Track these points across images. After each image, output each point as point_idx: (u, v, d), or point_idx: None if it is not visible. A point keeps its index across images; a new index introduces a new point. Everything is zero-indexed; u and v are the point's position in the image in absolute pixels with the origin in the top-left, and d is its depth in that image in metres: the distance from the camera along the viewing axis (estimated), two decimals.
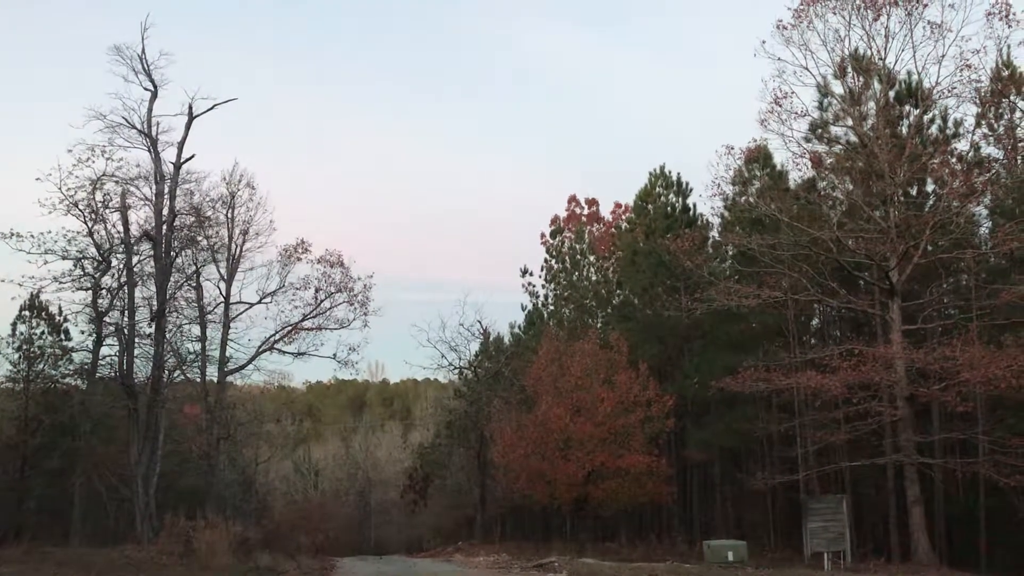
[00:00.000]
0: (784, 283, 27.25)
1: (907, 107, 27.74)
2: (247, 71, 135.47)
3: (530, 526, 44.30)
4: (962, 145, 27.00)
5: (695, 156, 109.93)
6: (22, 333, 35.66)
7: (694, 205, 39.35)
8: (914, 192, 28.10)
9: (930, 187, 28.13)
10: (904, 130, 27.25)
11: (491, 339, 44.52)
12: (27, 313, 35.69)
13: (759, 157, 33.02)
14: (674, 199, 39.94)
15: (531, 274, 47.36)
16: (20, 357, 35.48)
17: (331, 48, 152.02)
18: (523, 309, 47.51)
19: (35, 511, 34.34)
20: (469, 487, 46.37)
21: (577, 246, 46.74)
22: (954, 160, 26.42)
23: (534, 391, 34.63)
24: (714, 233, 37.45)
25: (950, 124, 27.53)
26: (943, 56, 24.57)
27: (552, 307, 46.53)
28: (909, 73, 26.91)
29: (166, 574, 16.33)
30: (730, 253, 34.95)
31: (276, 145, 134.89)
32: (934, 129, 27.85)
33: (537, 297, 47.20)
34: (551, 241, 47.48)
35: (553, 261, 46.99)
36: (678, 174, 40.11)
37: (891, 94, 27.21)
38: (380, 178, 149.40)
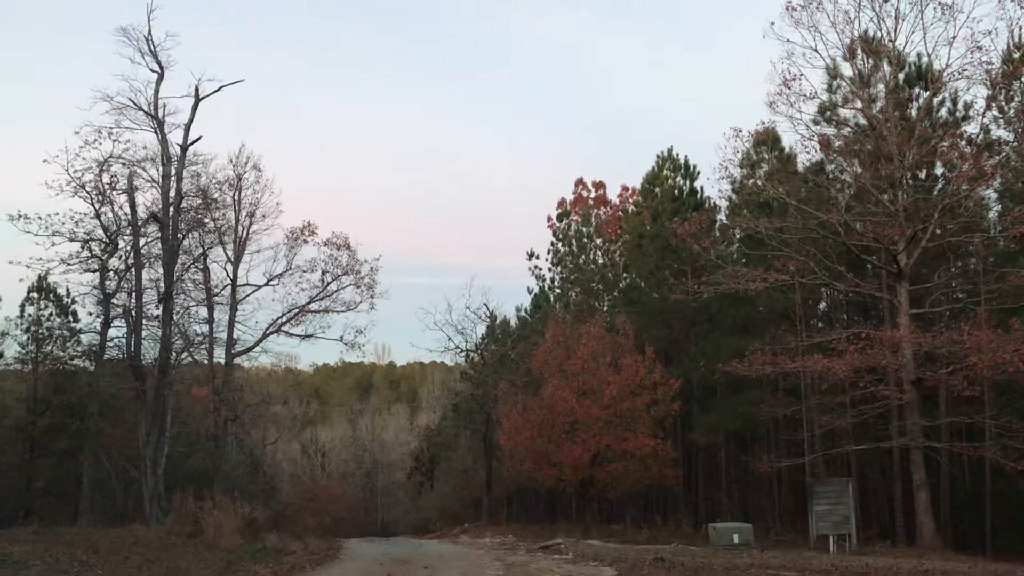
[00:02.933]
0: (791, 266, 27.13)
1: (917, 89, 27.55)
2: (254, 53, 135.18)
3: (536, 508, 44.48)
4: (972, 128, 26.80)
5: (703, 139, 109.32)
6: (30, 315, 35.88)
7: (701, 188, 39.25)
8: (923, 175, 27.93)
9: (939, 170, 27.95)
10: (913, 113, 27.07)
11: (497, 322, 44.55)
12: (35, 295, 35.89)
13: (767, 140, 32.85)
14: (681, 182, 39.78)
15: (538, 257, 47.45)
16: (28, 339, 35.72)
17: (337, 31, 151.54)
18: (529, 292, 47.62)
19: (44, 492, 34.63)
20: (475, 469, 46.53)
21: (584, 229, 46.69)
22: (964, 143, 26.22)
23: (540, 374, 34.66)
24: (721, 216, 37.28)
25: (960, 106, 27.34)
26: (954, 38, 24.33)
27: (558, 290, 46.55)
28: (919, 55, 26.72)
29: (175, 554, 16.40)
30: (737, 236, 34.83)
31: (282, 128, 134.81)
32: (944, 112, 27.68)
33: (543, 280, 47.26)
34: (558, 224, 47.43)
35: (560, 244, 46.97)
36: (685, 157, 40.00)
37: (900, 76, 27.01)
38: (387, 162, 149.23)
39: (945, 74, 25.53)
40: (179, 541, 18.85)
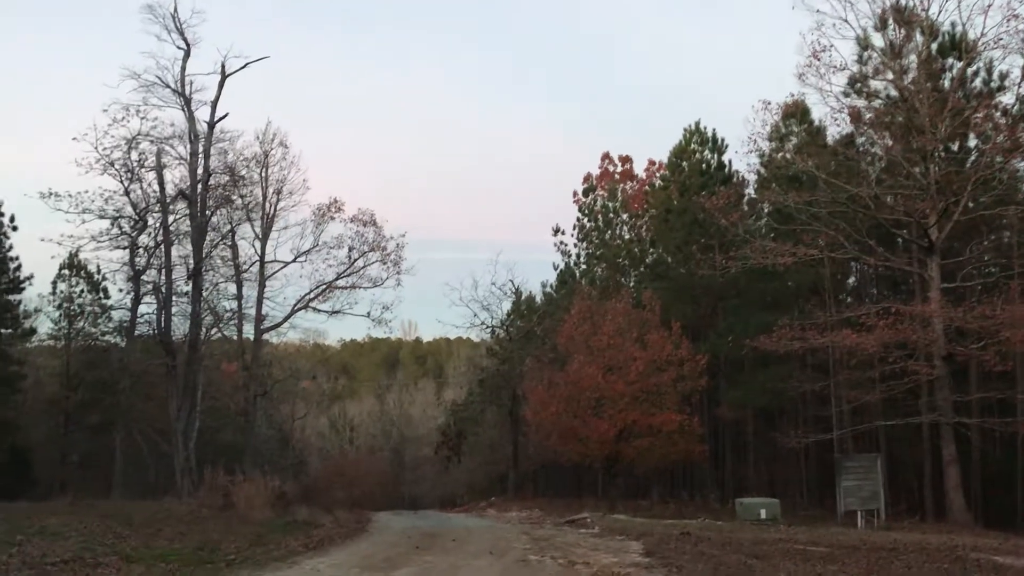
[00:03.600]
0: (821, 241, 26.91)
1: (950, 60, 27.01)
2: (278, 29, 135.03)
3: (562, 483, 44.67)
4: (1007, 98, 26.28)
5: (731, 112, 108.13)
6: (62, 292, 36.40)
7: (729, 162, 38.97)
8: (955, 147, 27.49)
9: (972, 142, 27.48)
10: (946, 84, 26.57)
11: (523, 298, 44.56)
12: (67, 272, 36.37)
13: (796, 112, 32.46)
14: (709, 156, 39.50)
15: (563, 233, 47.25)
16: (61, 315, 36.26)
17: (358, 7, 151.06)
18: (555, 268, 47.54)
19: (78, 465, 35.28)
20: (502, 444, 46.76)
21: (610, 204, 46.45)
22: (998, 114, 25.76)
23: (566, 350, 34.69)
24: (750, 190, 37.00)
25: (995, 76, 26.75)
26: (989, 6, 23.82)
27: (584, 266, 46.45)
28: (953, 24, 26.21)
29: (206, 527, 16.66)
30: (766, 211, 34.57)
31: (306, 105, 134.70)
32: (978, 82, 27.09)
33: (569, 256, 47.13)
34: (584, 199, 47.21)
35: (586, 220, 46.78)
36: (713, 130, 39.69)
37: (933, 46, 26.51)
38: (412, 139, 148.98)
39: (980, 43, 25.07)
40: (210, 514, 19.14)
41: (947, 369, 24.68)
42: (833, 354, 29.14)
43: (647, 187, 46.00)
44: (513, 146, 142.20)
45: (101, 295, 36.76)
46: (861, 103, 27.40)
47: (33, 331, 35.98)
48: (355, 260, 34.06)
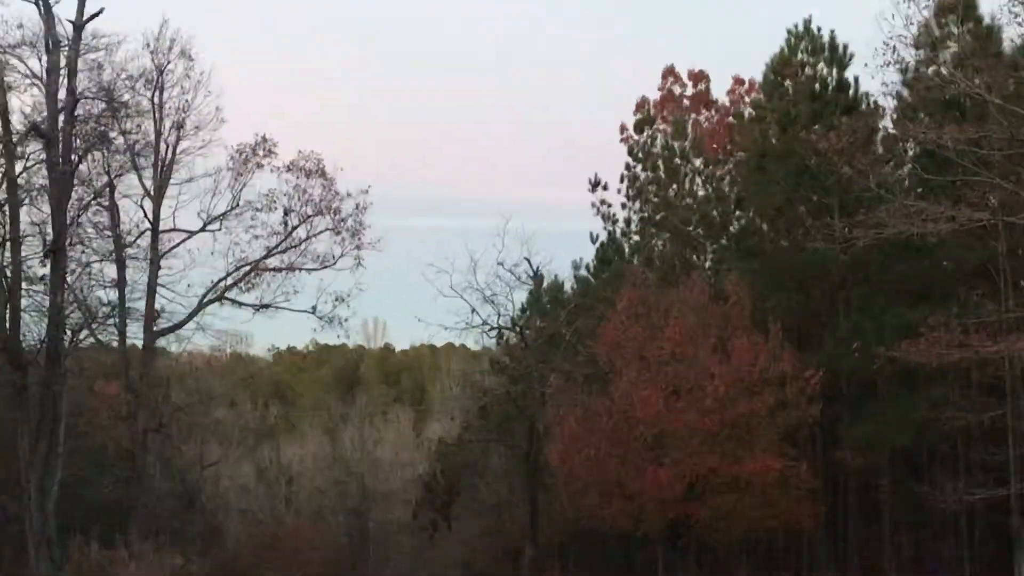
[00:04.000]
0: (992, 199, 26.77)
1: None
2: None
3: (604, 561, 44.75)
4: None
5: (856, 6, 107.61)
6: None
7: (855, 80, 38.67)
8: None
9: None
10: None
11: (545, 285, 44.58)
12: None
13: (957, 6, 32.25)
14: (825, 71, 39.24)
15: (606, 188, 47.21)
16: None
17: None
18: (593, 241, 47.51)
19: None
20: (514, 503, 46.87)
21: (675, 144, 46.31)
22: None
23: (610, 363, 34.69)
24: (886, 123, 36.83)
25: None
26: None
27: (637, 237, 46.45)
28: None
29: None
30: (910, 153, 34.38)
31: (226, 9, 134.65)
32: None
33: (615, 222, 47.15)
34: (636, 137, 47.08)
35: (639, 167, 46.68)
36: (831, 33, 39.39)
37: None
38: (379, 53, 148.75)
39: None
40: None
41: None
42: (1012, 369, 29.01)
43: (731, 118, 45.86)
44: (527, 58, 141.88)
45: None
46: None
47: None
48: (294, 228, 34.12)
